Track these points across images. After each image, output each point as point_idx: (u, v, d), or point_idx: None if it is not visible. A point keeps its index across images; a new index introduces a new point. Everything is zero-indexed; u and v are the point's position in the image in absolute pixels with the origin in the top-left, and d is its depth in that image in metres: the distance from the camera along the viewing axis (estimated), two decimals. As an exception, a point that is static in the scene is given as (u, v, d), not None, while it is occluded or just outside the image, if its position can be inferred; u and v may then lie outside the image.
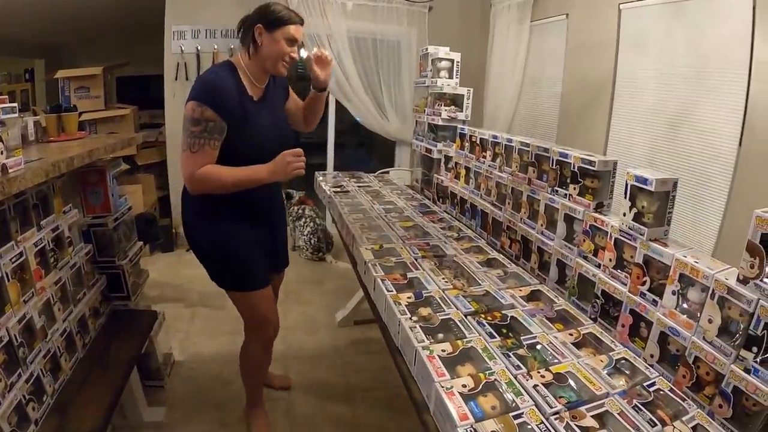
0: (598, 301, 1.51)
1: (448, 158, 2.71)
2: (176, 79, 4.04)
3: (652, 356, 1.29)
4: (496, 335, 1.29)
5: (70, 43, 5.22)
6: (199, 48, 4.02)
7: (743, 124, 2.15)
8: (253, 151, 1.66)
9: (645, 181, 1.35)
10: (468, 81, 3.16)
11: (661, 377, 1.20)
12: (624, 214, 1.43)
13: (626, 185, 1.41)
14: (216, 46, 4.03)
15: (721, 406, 1.06)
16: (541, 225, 1.83)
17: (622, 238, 1.44)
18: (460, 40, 3.78)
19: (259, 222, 1.85)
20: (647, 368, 1.24)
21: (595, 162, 1.56)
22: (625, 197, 1.42)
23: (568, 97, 3.12)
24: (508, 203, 2.05)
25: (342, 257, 3.71)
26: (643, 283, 1.36)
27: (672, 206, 1.39)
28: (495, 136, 2.17)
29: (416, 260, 1.74)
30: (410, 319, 1.32)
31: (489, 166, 2.22)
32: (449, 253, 1.82)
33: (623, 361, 1.26)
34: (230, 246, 1.77)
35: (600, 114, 2.82)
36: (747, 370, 1.02)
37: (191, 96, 1.56)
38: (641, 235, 1.37)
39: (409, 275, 1.59)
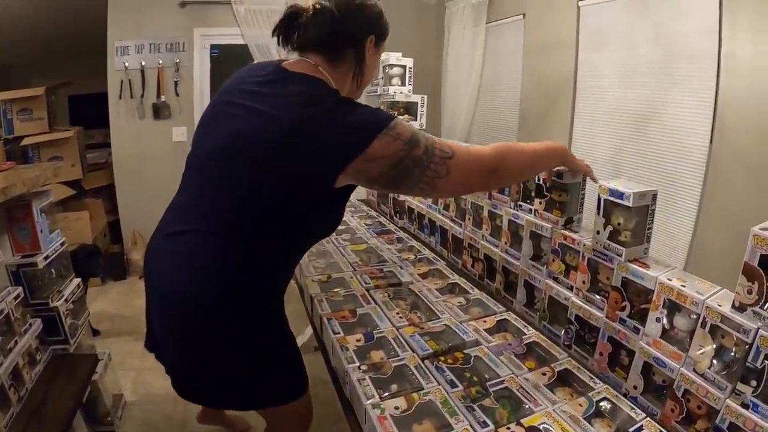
0: (572, 327, 1.39)
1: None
2: (120, 97, 3.81)
3: (635, 388, 1.18)
4: (458, 383, 1.12)
5: (21, 63, 4.88)
6: (143, 63, 3.79)
7: (714, 120, 2.07)
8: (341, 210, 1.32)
9: (621, 195, 1.22)
10: (425, 87, 3.04)
11: (648, 419, 1.06)
12: (598, 232, 1.29)
13: (599, 200, 1.28)
14: (161, 61, 3.83)
15: (716, 444, 0.94)
16: (505, 243, 1.69)
17: (597, 258, 1.31)
18: (414, 45, 3.66)
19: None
20: (632, 409, 1.09)
21: (562, 173, 1.42)
22: (598, 213, 1.29)
23: (527, 100, 3.02)
24: (468, 219, 1.90)
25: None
26: (623, 308, 1.24)
27: (651, 221, 1.27)
28: (452, 146, 2.02)
29: (368, 292, 1.56)
30: (359, 368, 1.14)
31: (447, 178, 2.07)
32: (405, 280, 1.65)
33: (604, 402, 1.11)
34: (276, 357, 1.25)
35: (561, 116, 2.72)
36: (745, 406, 0.92)
37: (373, 130, 1.03)
38: (618, 255, 1.24)
39: (359, 311, 1.41)
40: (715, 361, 1.01)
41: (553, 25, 2.74)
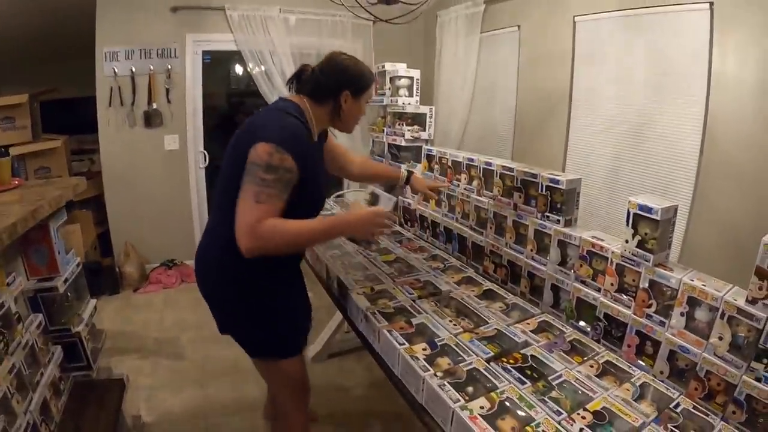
0: (600, 323, 1.57)
1: (413, 179, 2.68)
2: (110, 104, 3.77)
3: (662, 372, 1.39)
4: (526, 380, 1.28)
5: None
6: (134, 70, 3.76)
7: (704, 131, 2.27)
8: (310, 207, 1.57)
9: (649, 210, 1.41)
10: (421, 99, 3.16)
11: (683, 396, 1.29)
12: (626, 241, 1.48)
13: (628, 213, 1.47)
14: (152, 68, 3.80)
15: (734, 413, 1.19)
16: (531, 250, 1.85)
17: (624, 264, 1.50)
18: (406, 53, 3.81)
19: (297, 277, 1.74)
20: (667, 389, 1.32)
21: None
22: (627, 225, 1.48)
23: (522, 110, 3.20)
24: (490, 228, 2.06)
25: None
26: (649, 306, 1.43)
27: (672, 230, 1.48)
28: (471, 159, 2.18)
29: (414, 302, 1.70)
30: (435, 375, 1.28)
31: (465, 189, 2.22)
32: (444, 288, 1.80)
33: (644, 385, 1.33)
34: (286, 306, 1.63)
35: (557, 126, 2.91)
36: (758, 379, 1.15)
37: (268, 136, 1.37)
38: (647, 261, 1.43)
39: (414, 321, 1.55)
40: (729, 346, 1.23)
41: (549, 38, 2.92)
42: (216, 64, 4.24)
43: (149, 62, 3.81)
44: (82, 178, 2.10)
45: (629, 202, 1.47)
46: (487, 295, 1.79)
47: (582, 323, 1.66)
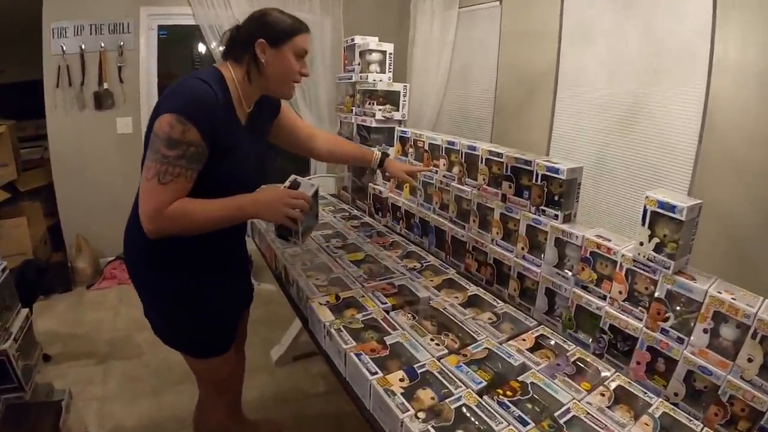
0: (604, 336, 1.34)
1: (385, 165, 2.37)
2: (57, 85, 3.31)
3: (676, 395, 1.18)
4: (528, 419, 1.00)
5: None
6: (83, 47, 3.32)
7: (703, 120, 2.03)
8: (230, 188, 1.31)
9: (672, 208, 1.17)
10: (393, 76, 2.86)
11: (706, 429, 1.06)
12: (641, 243, 1.24)
13: (645, 211, 1.22)
14: (103, 44, 3.36)
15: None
16: (522, 249, 1.58)
17: (636, 269, 1.26)
18: (377, 28, 3.45)
19: (232, 263, 1.54)
20: (690, 420, 1.08)
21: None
22: (643, 224, 1.23)
23: (503, 91, 2.91)
24: (474, 221, 1.78)
25: (265, 277, 3.23)
26: (665, 319, 1.21)
27: (695, 232, 1.23)
28: (451, 142, 1.88)
29: (388, 314, 1.39)
30: (417, 417, 0.98)
31: (445, 176, 1.93)
32: (422, 295, 1.50)
33: (664, 417, 1.08)
34: (204, 303, 1.42)
35: (541, 108, 2.63)
36: None
37: (170, 106, 1.18)
38: (666, 268, 1.19)
39: (388, 340, 1.24)
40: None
41: (534, 14, 2.63)
42: (174, 40, 3.82)
43: (100, 38, 3.37)
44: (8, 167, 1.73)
45: (647, 198, 1.21)
46: (473, 303, 1.51)
47: (581, 334, 1.42)
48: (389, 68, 2.63)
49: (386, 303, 1.43)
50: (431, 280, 1.62)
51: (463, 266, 1.87)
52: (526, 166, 1.52)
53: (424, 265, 1.75)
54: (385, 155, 1.81)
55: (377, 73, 2.66)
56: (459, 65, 3.24)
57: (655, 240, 1.21)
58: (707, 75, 1.97)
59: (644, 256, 1.23)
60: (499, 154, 1.62)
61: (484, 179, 1.71)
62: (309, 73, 1.40)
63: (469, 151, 1.78)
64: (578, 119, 2.48)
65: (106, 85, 3.42)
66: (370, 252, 1.82)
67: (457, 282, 1.63)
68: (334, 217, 2.27)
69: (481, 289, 1.59)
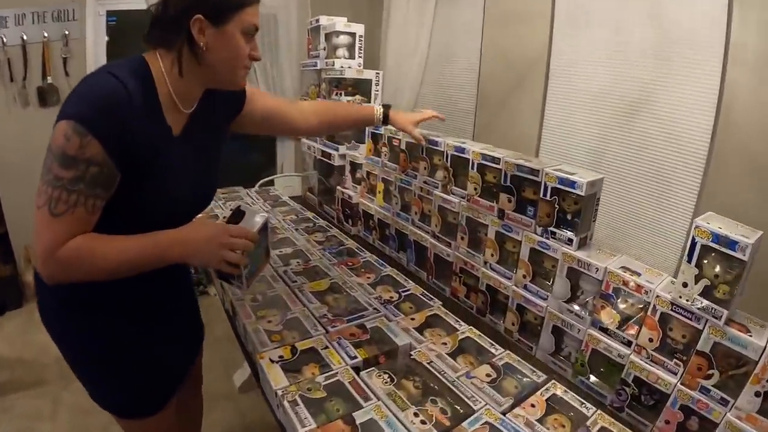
0: (627, 388, 1.08)
1: (355, 165, 2.03)
2: None
3: None
4: None
5: None
6: (25, 37, 2.87)
7: (717, 114, 1.75)
8: (156, 220, 0.99)
9: (732, 245, 0.89)
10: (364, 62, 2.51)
11: None
12: (685, 284, 0.96)
13: (693, 243, 0.94)
14: (46, 34, 2.92)
15: None
16: (524, 276, 1.27)
17: (675, 314, 0.99)
18: (347, 9, 3.07)
19: (168, 301, 1.21)
20: None
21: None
22: (690, 261, 0.95)
23: (488, 80, 2.58)
24: (462, 238, 1.46)
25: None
26: (708, 377, 0.95)
27: (749, 270, 0.93)
28: (433, 142, 1.55)
29: (357, 374, 1.06)
30: None
31: (426, 182, 1.60)
32: (401, 342, 1.18)
33: None
34: (119, 356, 1.11)
35: (531, 98, 2.32)
36: None
37: (69, 112, 0.87)
38: (716, 318, 0.92)
39: (358, 417, 0.92)
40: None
41: (522, -7, 2.30)
42: (125, 27, 3.38)
43: (43, 27, 2.93)
44: None
45: (697, 228, 0.93)
46: (465, 348, 1.20)
47: (596, 382, 1.15)
48: (359, 53, 2.29)
49: (356, 357, 1.10)
50: (412, 318, 1.30)
51: (448, 290, 1.56)
52: (531, 176, 1.21)
53: (403, 294, 1.43)
54: (387, 108, 1.54)
55: (345, 58, 2.31)
56: (438, 50, 2.89)
57: (704, 282, 0.94)
58: (722, 63, 1.70)
59: (688, 300, 0.95)
60: (496, 159, 1.30)
61: (475, 189, 1.39)
62: (261, 56, 1.06)
63: (456, 153, 1.45)
64: (573, 112, 2.17)
65: (50, 80, 2.99)
66: (337, 278, 1.48)
67: (443, 319, 1.32)
68: (296, 230, 1.91)
69: (475, 330, 1.27)
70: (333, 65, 2.26)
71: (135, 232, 0.94)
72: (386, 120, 1.53)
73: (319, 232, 1.92)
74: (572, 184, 1.11)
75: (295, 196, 2.63)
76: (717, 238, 0.90)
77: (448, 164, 1.49)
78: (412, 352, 1.14)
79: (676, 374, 1.00)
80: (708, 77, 1.74)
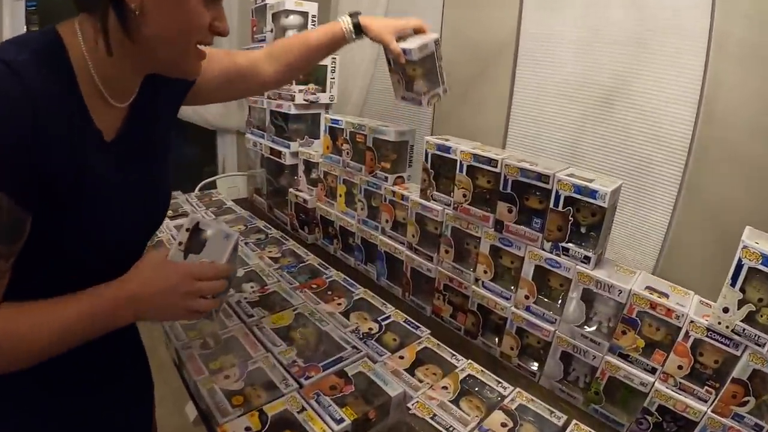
0: (649, 417, 0.98)
1: (310, 164, 1.82)
2: None
3: None
4: None
5: None
6: None
7: (699, 105, 1.67)
8: (94, 261, 0.75)
9: None
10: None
11: None
12: (726, 310, 0.86)
13: (739, 266, 0.84)
14: None
15: None
16: (526, 297, 1.12)
17: (709, 340, 0.89)
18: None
19: (109, 371, 0.89)
20: None
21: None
22: (733, 285, 0.85)
23: (448, 66, 2.39)
24: (446, 252, 1.30)
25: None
26: (743, 404, 0.87)
27: None
28: (404, 137, 1.37)
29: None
30: None
31: (399, 187, 1.42)
32: (393, 392, 1.00)
33: None
34: None
35: (497, 87, 2.19)
36: None
37: None
38: (760, 345, 0.83)
39: None
40: None
41: (486, -30, 2.15)
42: (48, 11, 2.95)
43: None
44: None
45: (745, 249, 0.83)
46: (470, 389, 1.06)
47: (612, 409, 1.05)
48: (309, 36, 2.06)
49: (342, 419, 0.91)
50: (401, 357, 1.12)
51: (429, 309, 1.40)
52: (538, 182, 1.06)
53: (384, 324, 1.26)
54: (354, 17, 1.18)
55: (294, 41, 2.07)
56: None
57: (748, 308, 0.84)
58: (705, 52, 1.62)
59: (728, 327, 0.86)
60: (492, 161, 1.14)
61: (464, 195, 1.22)
62: (228, 30, 0.75)
63: (438, 152, 1.27)
64: (544, 101, 2.06)
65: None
66: (302, 307, 1.29)
67: (436, 354, 1.16)
68: (247, 243, 1.68)
69: (475, 365, 1.12)
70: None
71: (68, 287, 0.69)
72: (359, 30, 1.15)
73: (274, 245, 1.70)
74: (593, 193, 0.97)
75: (240, 198, 2.39)
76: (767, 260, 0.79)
77: (429, 165, 1.31)
78: (409, 405, 0.97)
79: (706, 401, 0.92)
80: (690, 67, 1.66)
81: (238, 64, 1.08)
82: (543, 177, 1.05)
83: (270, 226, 1.86)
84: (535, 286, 1.11)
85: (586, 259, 1.01)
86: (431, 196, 1.33)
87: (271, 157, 2.02)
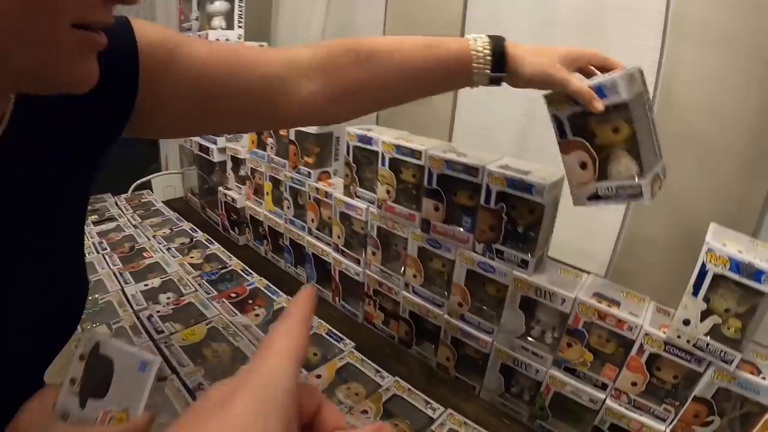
0: None
1: (238, 161, 1.62)
2: None
3: None
4: None
5: None
6: None
7: (655, 90, 1.51)
8: None
9: (758, 275, 0.62)
10: (255, 30, 2.09)
11: None
12: (686, 323, 0.70)
13: (702, 272, 0.67)
14: None
15: None
16: (460, 305, 0.95)
17: (666, 354, 0.74)
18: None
19: None
20: None
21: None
22: (695, 294, 0.68)
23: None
24: (373, 254, 1.12)
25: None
26: (706, 423, 0.73)
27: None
28: (330, 131, 1.19)
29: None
30: None
31: (323, 183, 1.24)
32: None
33: None
34: None
35: (442, 74, 2.00)
36: None
37: None
38: (726, 362, 0.67)
39: None
40: None
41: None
42: None
43: None
44: None
45: (708, 251, 0.66)
46: (394, 408, 0.88)
47: (558, 428, 0.90)
48: (239, 22, 1.85)
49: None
50: (318, 376, 0.94)
51: (361, 315, 1.21)
52: (467, 176, 0.87)
53: (327, 352, 1.06)
54: (500, 43, 0.66)
55: (222, 29, 1.86)
56: (337, 21, 2.51)
57: (713, 320, 0.68)
58: (662, 35, 1.47)
59: (690, 342, 0.70)
60: (416, 153, 0.95)
61: (388, 192, 1.04)
62: (112, 21, 0.39)
63: (361, 144, 1.09)
64: (493, 88, 1.88)
65: None
66: (217, 320, 1.09)
67: (359, 370, 0.97)
68: (168, 249, 1.48)
69: (402, 383, 0.95)
70: (207, 38, 1.81)
71: None
72: (501, 66, 0.66)
73: (197, 249, 1.50)
74: (529, 188, 0.79)
75: (176, 198, 2.16)
76: (737, 266, 0.63)
77: (351, 159, 1.13)
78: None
79: (665, 420, 0.76)
80: (647, 49, 1.51)
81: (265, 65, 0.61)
82: (472, 170, 0.86)
83: (197, 229, 1.65)
84: (469, 292, 0.94)
85: (524, 263, 0.83)
86: (355, 193, 1.14)
87: (200, 153, 1.80)
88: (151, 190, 2.13)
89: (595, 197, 0.67)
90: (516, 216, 0.85)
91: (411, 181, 1.00)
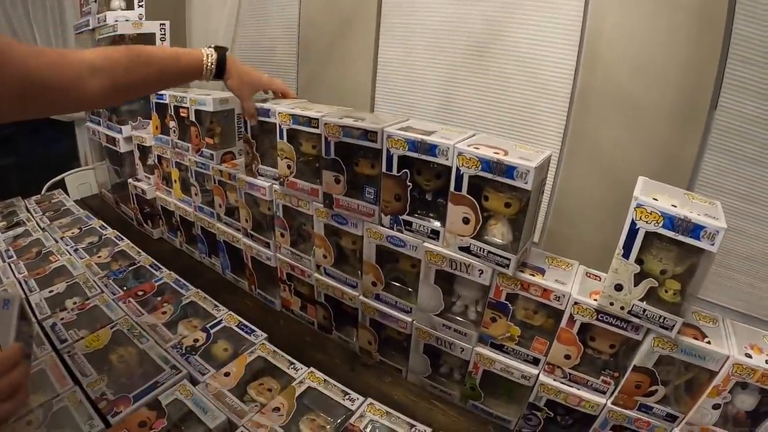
0: (538, 413, 0.72)
1: (145, 149, 1.40)
2: None
3: None
4: None
5: None
6: None
7: (580, 49, 1.37)
8: None
9: (695, 231, 0.51)
10: (163, 11, 1.83)
11: None
12: (619, 288, 0.57)
13: (633, 230, 0.54)
14: None
15: None
16: (373, 284, 0.80)
17: (600, 324, 0.61)
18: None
19: None
20: None
21: (518, 163, 0.59)
22: (626, 257, 0.55)
23: (309, 24, 2.00)
24: (281, 235, 0.95)
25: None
26: (649, 393, 0.62)
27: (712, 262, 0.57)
28: (228, 108, 1.00)
29: None
30: None
31: (226, 164, 1.05)
32: (213, 422, 0.66)
33: None
34: None
35: (361, 42, 1.81)
36: None
37: None
38: (666, 328, 0.56)
39: None
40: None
41: None
42: None
43: None
44: None
45: (638, 207, 0.52)
46: (308, 407, 0.73)
47: (495, 407, 0.78)
48: (139, 2, 1.60)
49: None
50: (226, 374, 0.76)
51: (278, 303, 1.05)
52: (366, 142, 0.71)
53: (213, 331, 0.88)
54: (222, 54, 0.87)
55: (122, 10, 1.61)
56: (249, -2, 2.26)
57: (648, 283, 0.55)
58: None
59: (624, 309, 0.57)
60: (312, 121, 0.78)
61: (288, 166, 0.86)
62: None
63: (260, 118, 0.90)
64: (412, 54, 1.71)
65: None
66: (122, 323, 0.89)
67: (272, 364, 0.81)
68: (76, 250, 1.25)
69: (317, 374, 0.79)
70: (105, 21, 1.55)
71: None
72: (221, 72, 0.86)
73: (106, 247, 1.28)
74: (432, 148, 0.63)
75: (92, 195, 1.91)
76: (671, 222, 0.49)
77: (250, 135, 0.94)
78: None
79: (605, 393, 0.65)
80: (568, 9, 1.36)
81: (52, 74, 0.64)
82: (370, 134, 0.68)
83: (106, 226, 1.42)
84: (383, 270, 0.79)
85: (435, 234, 0.69)
86: (257, 171, 0.96)
87: (108, 145, 1.56)
88: (65, 190, 1.88)
89: (466, 250, 0.66)
90: (422, 182, 0.69)
91: (312, 153, 0.82)
